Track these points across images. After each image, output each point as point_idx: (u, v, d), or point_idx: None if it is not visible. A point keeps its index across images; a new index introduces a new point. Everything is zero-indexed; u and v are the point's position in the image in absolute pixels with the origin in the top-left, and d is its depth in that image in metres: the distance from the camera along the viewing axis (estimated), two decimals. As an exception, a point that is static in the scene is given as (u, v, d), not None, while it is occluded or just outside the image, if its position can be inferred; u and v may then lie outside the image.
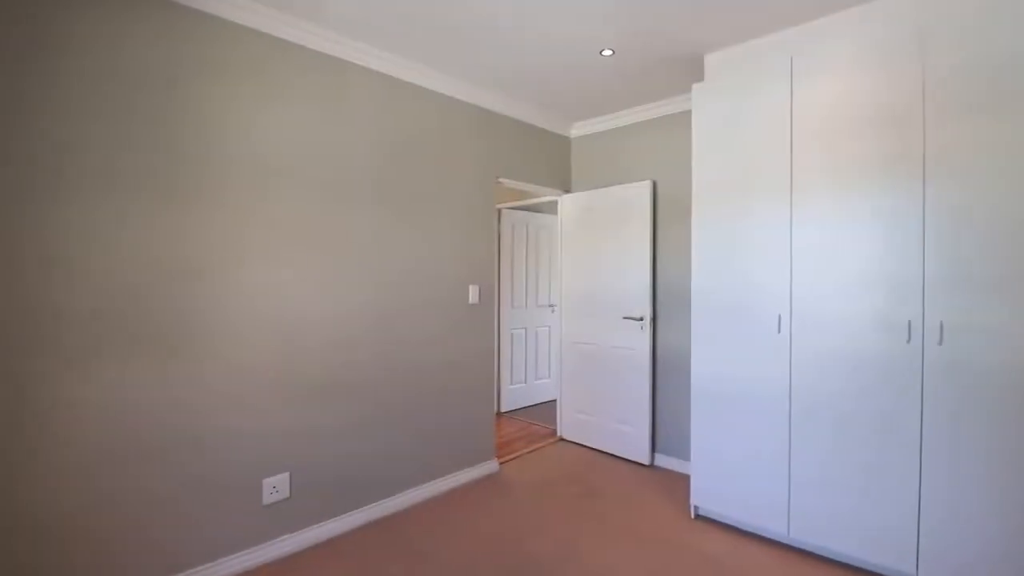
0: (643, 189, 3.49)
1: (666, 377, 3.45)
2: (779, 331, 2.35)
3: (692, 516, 2.69)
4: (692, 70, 2.92)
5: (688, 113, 3.33)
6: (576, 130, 3.97)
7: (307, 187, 2.41)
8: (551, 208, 5.18)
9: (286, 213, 2.34)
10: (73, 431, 1.78)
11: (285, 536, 2.31)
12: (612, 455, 3.66)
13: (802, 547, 2.36)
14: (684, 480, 3.18)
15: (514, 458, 3.59)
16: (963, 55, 1.89)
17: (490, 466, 3.32)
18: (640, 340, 3.49)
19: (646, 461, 3.46)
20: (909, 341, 2.01)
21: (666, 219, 3.46)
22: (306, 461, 2.40)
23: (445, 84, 3.02)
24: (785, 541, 2.41)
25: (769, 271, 2.38)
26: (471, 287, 3.20)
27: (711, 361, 2.58)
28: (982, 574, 1.86)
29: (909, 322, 2.01)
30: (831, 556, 2.27)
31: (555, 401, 4.92)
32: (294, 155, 2.36)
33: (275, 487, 2.28)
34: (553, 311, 5.17)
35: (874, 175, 2.10)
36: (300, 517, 2.38)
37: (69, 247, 1.78)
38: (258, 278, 2.25)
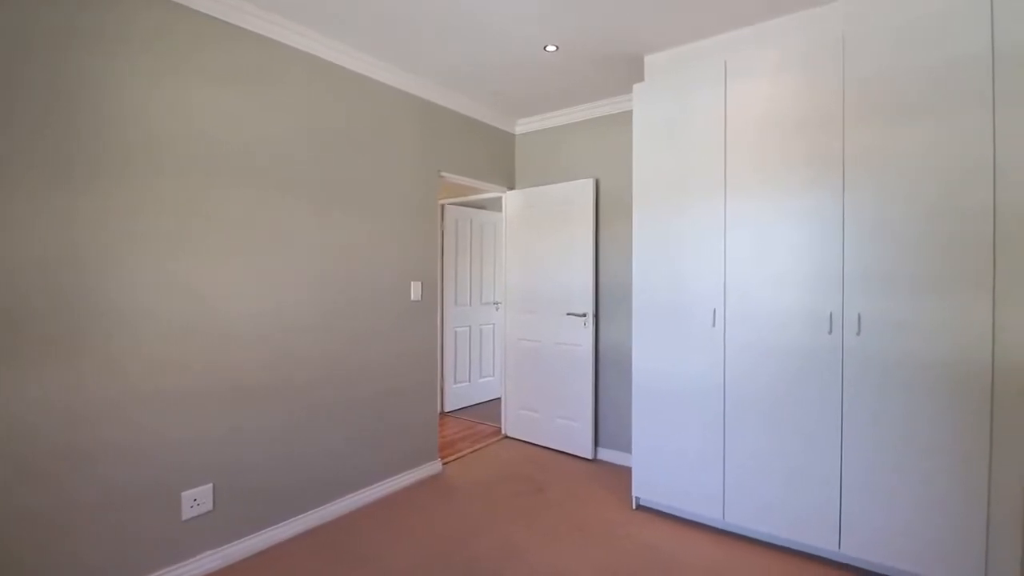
0: (586, 187, 3.53)
1: (609, 372, 3.51)
2: (714, 325, 2.43)
3: (633, 507, 2.75)
4: (634, 70, 2.98)
5: (630, 113, 3.40)
6: (520, 127, 3.96)
7: (235, 176, 2.24)
8: (495, 204, 5.16)
9: (211, 203, 2.15)
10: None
11: (208, 552, 2.13)
12: (556, 451, 3.68)
13: (736, 531, 2.46)
14: (626, 473, 3.25)
15: (458, 458, 3.53)
16: (878, 65, 2.03)
17: (433, 467, 3.24)
18: (584, 336, 3.53)
19: (589, 455, 3.50)
20: (831, 332, 2.14)
21: (608, 217, 3.51)
22: (232, 470, 2.23)
23: (386, 73, 2.91)
24: (720, 526, 2.50)
25: (705, 267, 2.46)
26: (413, 283, 3.10)
27: (651, 356, 2.64)
28: (894, 546, 2.01)
29: (831, 314, 2.13)
30: (763, 538, 2.38)
31: (500, 399, 4.90)
32: (219, 140, 2.18)
33: (196, 500, 2.10)
34: (498, 309, 5.15)
35: (800, 176, 2.21)
36: (226, 531, 2.20)
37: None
38: (179, 271, 2.05)
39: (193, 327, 2.10)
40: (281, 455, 2.41)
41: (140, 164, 1.96)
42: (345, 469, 2.71)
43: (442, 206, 4.67)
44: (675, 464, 2.57)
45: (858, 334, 2.07)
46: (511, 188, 4.00)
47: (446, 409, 4.68)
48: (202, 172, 2.13)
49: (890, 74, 2.01)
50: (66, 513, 1.77)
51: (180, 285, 2.06)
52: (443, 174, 3.36)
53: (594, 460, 3.50)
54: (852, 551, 2.10)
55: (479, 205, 5.12)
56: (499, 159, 3.86)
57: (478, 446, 3.77)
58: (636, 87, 2.68)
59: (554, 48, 2.70)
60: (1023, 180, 1.78)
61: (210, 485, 2.15)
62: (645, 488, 2.68)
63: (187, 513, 2.07)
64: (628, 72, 3.00)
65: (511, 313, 3.96)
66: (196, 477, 2.11)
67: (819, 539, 2.17)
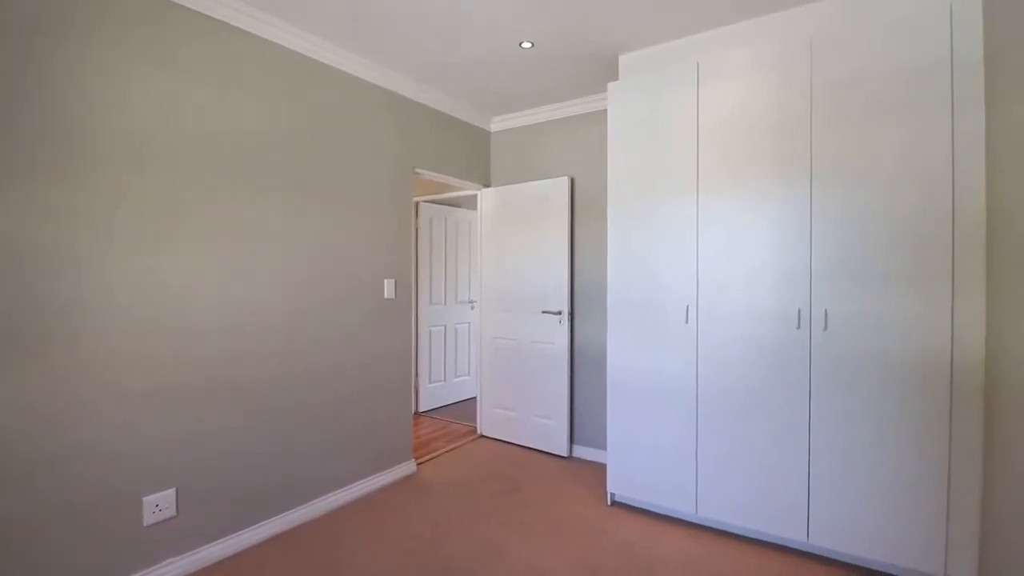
0: (561, 185, 3.53)
1: (584, 370, 3.52)
2: (687, 322, 2.46)
3: (609, 503, 2.76)
4: (609, 69, 2.99)
5: (605, 112, 3.42)
6: (496, 124, 3.94)
7: (206, 171, 2.15)
8: (471, 203, 5.13)
9: (182, 198, 2.07)
10: None
11: (172, 560, 2.05)
12: (532, 449, 3.68)
13: (708, 525, 2.50)
14: (601, 469, 3.27)
15: (433, 458, 3.49)
16: (845, 69, 2.09)
17: (407, 467, 3.19)
18: (559, 334, 3.53)
19: (565, 453, 3.51)
20: (799, 328, 2.19)
21: (584, 215, 3.53)
22: (197, 474, 2.15)
23: (361, 67, 2.85)
24: (694, 520, 2.54)
25: (678, 265, 2.49)
26: (387, 281, 3.05)
27: (626, 353, 2.66)
28: (861, 536, 2.07)
29: (799, 310, 2.19)
30: (735, 531, 2.43)
31: (475, 398, 4.87)
32: (192, 135, 2.10)
33: (158, 505, 2.01)
34: (473, 307, 5.12)
35: (769, 176, 2.26)
36: (191, 537, 2.12)
37: None
38: (143, 268, 1.96)
39: (161, 324, 2.02)
40: (249, 457, 2.34)
41: (110, 159, 1.87)
42: (317, 471, 2.64)
43: (417, 203, 4.62)
44: (649, 460, 2.59)
45: (825, 329, 2.13)
46: (486, 186, 3.98)
47: (421, 409, 4.63)
48: (172, 167, 2.05)
49: (858, 78, 2.07)
50: (21, 519, 1.67)
51: (149, 281, 1.98)
52: (418, 171, 3.32)
53: (570, 458, 3.51)
54: (820, 541, 2.15)
55: (454, 203, 5.08)
56: (474, 156, 3.83)
57: (453, 446, 3.74)
58: (611, 86, 2.70)
59: (529, 44, 2.69)
60: (978, 183, 1.85)
61: (173, 490, 2.06)
62: (620, 484, 2.69)
63: (149, 519, 1.99)
64: (603, 71, 3.02)
65: (486, 312, 3.94)
66: (159, 481, 2.02)
67: (789, 531, 2.22)
